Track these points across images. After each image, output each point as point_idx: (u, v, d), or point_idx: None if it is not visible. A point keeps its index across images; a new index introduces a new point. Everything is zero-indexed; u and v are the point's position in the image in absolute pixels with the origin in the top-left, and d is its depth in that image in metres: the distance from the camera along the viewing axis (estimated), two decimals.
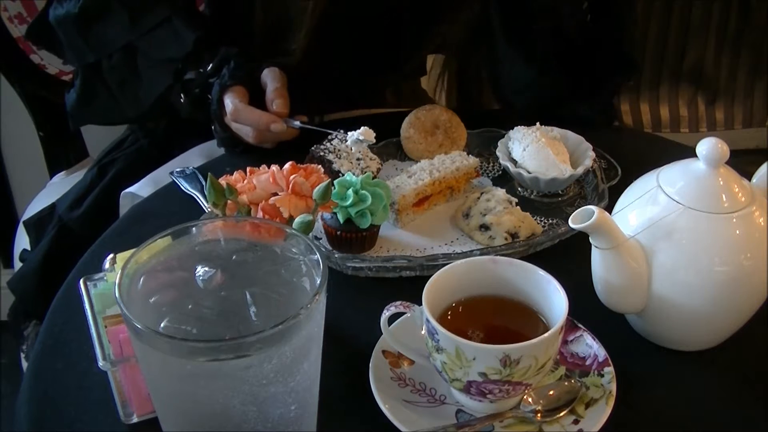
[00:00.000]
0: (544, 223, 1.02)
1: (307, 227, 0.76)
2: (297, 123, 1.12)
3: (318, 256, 0.63)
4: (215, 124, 1.15)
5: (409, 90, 1.51)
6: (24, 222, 1.42)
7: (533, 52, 1.19)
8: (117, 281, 0.60)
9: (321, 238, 0.98)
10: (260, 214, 0.80)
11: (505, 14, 1.20)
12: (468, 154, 1.09)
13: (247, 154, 1.15)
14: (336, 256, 0.93)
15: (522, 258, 0.81)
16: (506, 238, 0.97)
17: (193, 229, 0.66)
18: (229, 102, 1.11)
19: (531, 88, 1.23)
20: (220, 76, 1.13)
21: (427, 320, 0.72)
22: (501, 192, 1.01)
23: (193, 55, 1.14)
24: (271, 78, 1.13)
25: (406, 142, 1.14)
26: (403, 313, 0.77)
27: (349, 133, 1.05)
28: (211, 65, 1.13)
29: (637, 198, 0.82)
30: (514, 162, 1.07)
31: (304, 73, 1.17)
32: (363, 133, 1.04)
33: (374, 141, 1.05)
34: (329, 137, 1.09)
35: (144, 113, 1.21)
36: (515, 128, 1.10)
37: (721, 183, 0.78)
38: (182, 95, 1.16)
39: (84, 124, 1.40)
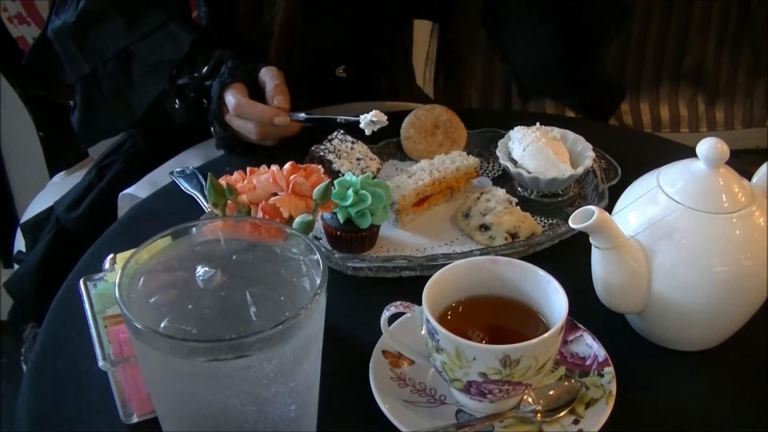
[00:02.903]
0: (544, 223, 1.02)
1: (307, 227, 0.76)
2: (301, 115, 1.11)
3: (318, 256, 0.63)
4: (215, 125, 1.15)
5: (405, 86, 1.50)
6: (21, 225, 1.42)
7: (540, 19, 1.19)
8: (117, 281, 0.60)
9: (321, 238, 0.98)
10: (260, 214, 0.80)
11: None
12: (468, 154, 1.09)
13: (246, 154, 1.15)
14: (336, 256, 0.93)
15: (522, 258, 0.81)
16: (506, 238, 0.97)
17: (193, 229, 0.66)
18: (231, 98, 1.11)
19: (541, 56, 1.24)
20: (220, 74, 1.13)
21: (427, 320, 0.72)
22: (501, 192, 1.01)
23: (189, 59, 1.14)
24: (269, 76, 1.13)
25: (406, 142, 1.14)
26: (403, 313, 0.77)
27: (361, 116, 1.04)
28: (206, 68, 1.13)
29: (637, 198, 0.82)
30: (514, 162, 1.07)
31: (290, 51, 1.16)
32: (375, 116, 1.03)
33: (386, 123, 1.04)
34: (329, 137, 1.09)
35: (138, 121, 1.22)
36: (515, 128, 1.10)
37: (721, 183, 0.78)
38: (177, 100, 1.16)
39: (94, 143, 1.40)
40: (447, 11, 1.29)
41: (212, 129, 1.16)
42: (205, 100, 1.14)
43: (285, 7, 1.15)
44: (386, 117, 1.04)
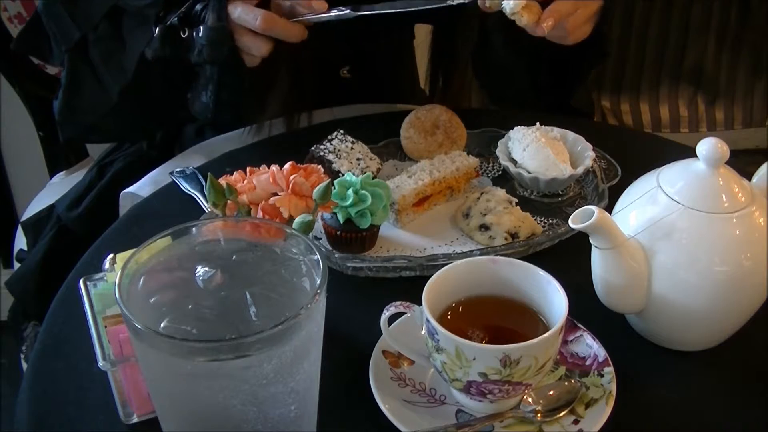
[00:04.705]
0: (544, 223, 1.02)
1: (307, 227, 0.76)
2: (339, 11, 1.00)
3: (318, 256, 0.63)
4: (210, 15, 1.04)
5: (408, 88, 1.50)
6: (22, 223, 1.42)
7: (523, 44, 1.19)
8: (117, 281, 0.60)
9: (321, 238, 0.98)
10: (260, 214, 0.80)
11: None
12: (468, 154, 1.09)
13: (245, 153, 1.13)
14: (336, 256, 0.93)
15: (522, 258, 0.81)
16: (506, 238, 0.97)
17: (193, 229, 0.66)
18: None
19: (514, 75, 1.25)
20: None
21: (427, 320, 0.72)
22: (501, 192, 1.01)
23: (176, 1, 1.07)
24: None
25: (406, 142, 1.14)
26: (403, 313, 0.77)
27: None
28: None
29: (637, 198, 0.82)
30: (514, 162, 1.07)
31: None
32: None
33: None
34: (329, 137, 1.09)
35: (128, 87, 1.14)
36: (515, 128, 1.10)
37: (721, 183, 0.78)
38: (155, 29, 1.07)
39: (73, 131, 1.33)
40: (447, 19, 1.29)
41: (203, 25, 1.04)
42: (186, 29, 1.06)
43: None
44: None
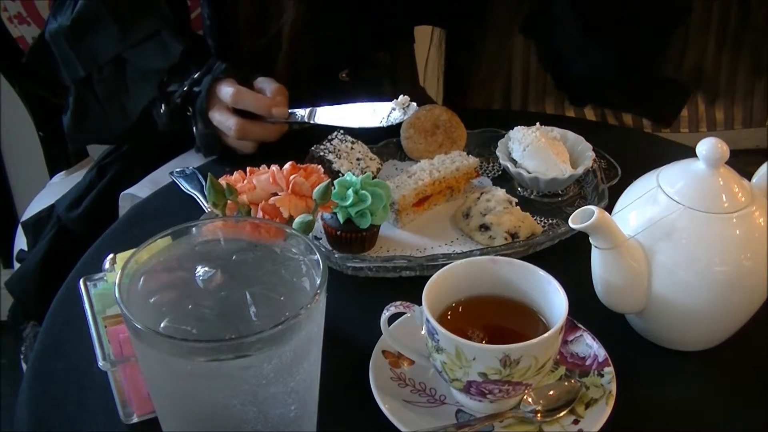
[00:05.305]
0: (544, 223, 1.02)
1: (307, 227, 0.76)
2: (300, 114, 1.11)
3: (318, 256, 0.63)
4: (198, 121, 1.13)
5: (409, 88, 1.50)
6: (22, 223, 1.42)
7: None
8: (117, 281, 0.60)
9: (321, 238, 0.98)
10: (260, 214, 0.80)
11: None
12: (468, 154, 1.09)
13: (233, 158, 1.14)
14: (336, 256, 0.93)
15: (522, 258, 0.81)
16: (506, 238, 0.97)
17: (193, 229, 0.66)
18: (229, 87, 1.09)
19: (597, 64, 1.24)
20: (213, 69, 1.12)
21: (427, 320, 0.72)
22: (501, 192, 1.01)
23: (180, 67, 1.14)
24: (267, 82, 1.13)
25: (406, 142, 1.14)
26: (403, 313, 0.77)
27: (383, 120, 1.07)
28: (198, 73, 1.13)
29: (637, 198, 0.82)
30: (514, 162, 1.07)
31: (294, 45, 1.16)
32: (398, 104, 1.06)
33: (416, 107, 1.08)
34: (329, 137, 1.09)
35: (131, 128, 1.20)
36: (515, 128, 1.10)
37: (721, 183, 0.78)
38: (162, 105, 1.14)
39: (81, 144, 1.39)
40: (476, 23, 1.29)
41: (194, 128, 1.14)
42: (190, 108, 1.13)
43: (294, 16, 1.14)
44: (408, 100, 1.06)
